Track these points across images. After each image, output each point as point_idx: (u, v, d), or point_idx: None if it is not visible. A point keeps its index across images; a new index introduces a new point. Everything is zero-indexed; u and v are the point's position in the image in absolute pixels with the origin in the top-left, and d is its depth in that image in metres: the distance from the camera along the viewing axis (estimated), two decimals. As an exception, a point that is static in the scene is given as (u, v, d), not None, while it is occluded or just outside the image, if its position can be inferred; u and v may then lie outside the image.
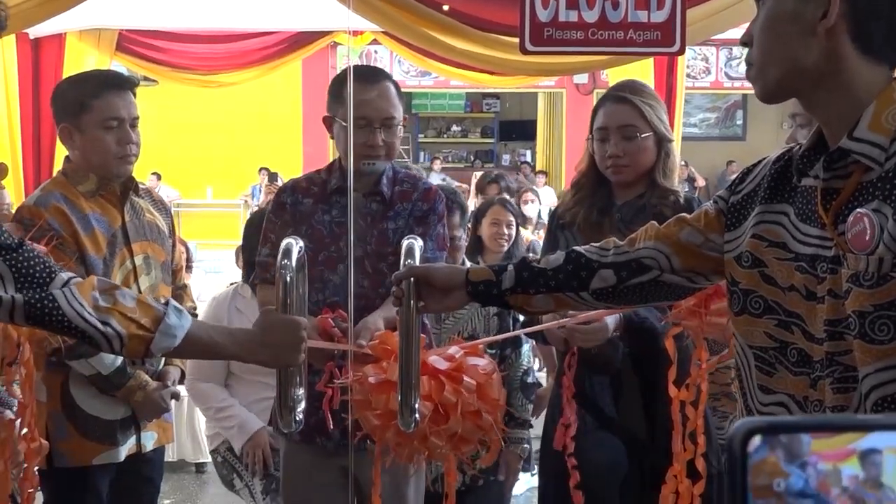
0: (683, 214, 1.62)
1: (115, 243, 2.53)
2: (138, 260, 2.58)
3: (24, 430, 2.20)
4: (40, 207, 2.44)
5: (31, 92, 5.46)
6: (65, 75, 5.19)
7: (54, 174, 2.91)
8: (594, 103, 2.67)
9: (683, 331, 2.16)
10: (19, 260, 1.65)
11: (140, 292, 2.46)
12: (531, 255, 2.54)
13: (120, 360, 2.51)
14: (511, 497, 3.16)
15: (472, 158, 16.48)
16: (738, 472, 0.64)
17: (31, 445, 2.20)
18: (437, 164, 14.76)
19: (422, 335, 2.04)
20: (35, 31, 5.27)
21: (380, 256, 2.39)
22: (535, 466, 3.09)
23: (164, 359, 2.69)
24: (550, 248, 2.43)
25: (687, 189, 10.74)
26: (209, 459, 4.93)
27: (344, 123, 2.33)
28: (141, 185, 2.71)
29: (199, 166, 12.81)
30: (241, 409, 3.09)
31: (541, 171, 13.33)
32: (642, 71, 5.10)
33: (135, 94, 2.58)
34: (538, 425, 2.86)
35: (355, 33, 5.99)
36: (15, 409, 2.26)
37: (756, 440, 0.64)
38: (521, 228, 3.88)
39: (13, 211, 3.86)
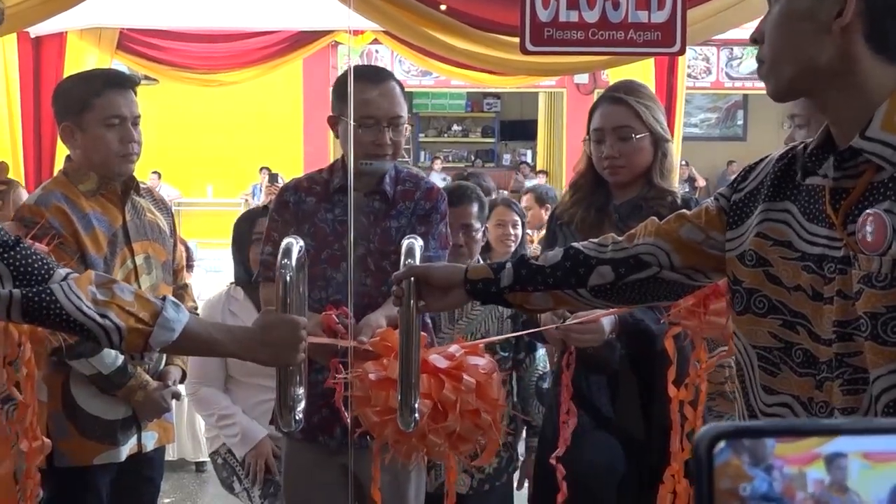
0: (683, 211, 1.61)
1: (115, 243, 2.53)
2: (139, 259, 2.58)
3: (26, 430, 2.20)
4: (41, 207, 2.45)
5: (32, 91, 5.46)
6: (66, 74, 5.19)
7: (55, 173, 2.91)
8: (593, 103, 2.67)
9: (682, 331, 2.16)
10: (17, 258, 1.65)
11: (140, 291, 2.46)
12: (530, 252, 2.55)
13: (121, 359, 2.51)
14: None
15: (473, 158, 16.47)
16: (705, 477, 0.64)
17: (33, 444, 2.20)
18: (438, 164, 14.77)
19: (423, 334, 2.05)
20: (36, 30, 5.28)
21: (383, 255, 2.40)
22: None
23: (164, 358, 2.70)
24: (549, 249, 2.43)
25: (687, 189, 10.75)
26: (209, 459, 4.94)
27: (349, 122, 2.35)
28: (142, 185, 2.71)
29: (200, 165, 12.81)
30: (244, 417, 3.06)
31: (541, 171, 13.34)
32: (643, 71, 5.10)
33: (136, 93, 2.59)
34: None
35: (356, 33, 5.99)
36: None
37: (721, 444, 0.64)
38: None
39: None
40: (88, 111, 2.48)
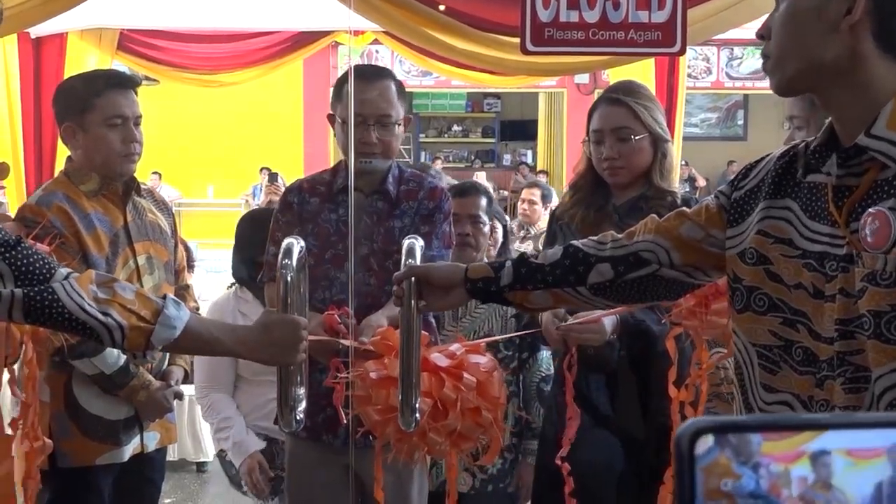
0: (684, 209, 1.61)
1: (117, 243, 2.54)
2: (141, 260, 2.58)
3: (27, 430, 2.20)
4: (43, 207, 2.45)
5: (33, 91, 5.46)
6: (66, 75, 5.20)
7: (56, 174, 2.91)
8: (592, 104, 2.68)
9: (683, 331, 2.17)
10: (18, 257, 1.65)
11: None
12: (530, 251, 2.55)
13: (123, 359, 2.51)
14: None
15: (473, 158, 16.47)
16: (686, 471, 0.64)
17: (35, 444, 2.20)
18: (438, 164, 14.76)
19: (424, 333, 2.05)
20: (36, 31, 5.28)
21: (386, 255, 2.40)
22: None
23: (167, 359, 2.70)
24: (551, 248, 2.44)
25: (687, 189, 10.75)
26: (210, 459, 4.94)
27: (342, 121, 2.37)
28: (142, 185, 2.72)
29: (200, 166, 12.82)
30: (241, 429, 3.03)
31: (542, 171, 13.33)
32: (643, 71, 5.10)
33: (137, 93, 2.59)
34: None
35: (356, 33, 5.99)
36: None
37: (707, 441, 0.64)
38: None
39: (9, 212, 3.87)
40: (90, 111, 2.48)
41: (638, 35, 3.48)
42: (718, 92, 13.88)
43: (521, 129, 15.87)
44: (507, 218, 3.62)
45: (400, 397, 1.88)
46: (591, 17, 3.44)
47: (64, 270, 1.70)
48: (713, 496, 0.64)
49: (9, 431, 2.21)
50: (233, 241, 3.25)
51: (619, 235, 1.65)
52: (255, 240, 3.08)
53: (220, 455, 3.23)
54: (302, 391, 2.01)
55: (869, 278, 1.25)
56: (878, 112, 1.29)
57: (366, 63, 8.86)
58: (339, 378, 2.14)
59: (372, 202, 2.46)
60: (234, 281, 3.24)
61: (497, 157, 16.55)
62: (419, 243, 1.99)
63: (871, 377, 1.27)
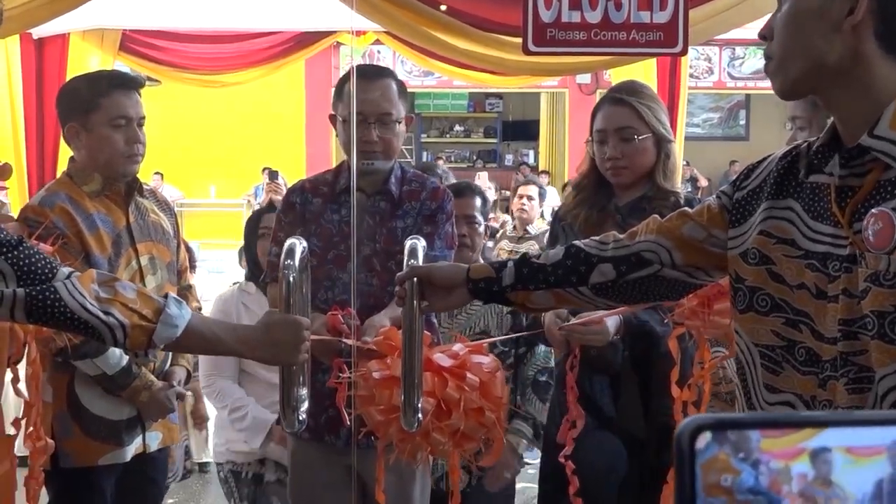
0: (685, 209, 1.61)
1: (120, 243, 2.54)
2: (144, 260, 2.58)
3: (30, 430, 2.21)
4: (45, 207, 2.45)
5: (35, 92, 5.47)
6: (68, 75, 5.21)
7: (58, 174, 2.92)
8: (596, 104, 2.68)
9: (685, 332, 2.17)
10: (20, 257, 1.65)
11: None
12: (532, 251, 2.55)
13: (125, 359, 2.51)
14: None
15: (475, 158, 16.49)
16: (687, 468, 0.64)
17: (37, 445, 2.21)
18: (440, 164, 14.78)
19: (427, 333, 2.05)
20: (38, 31, 5.28)
21: (388, 255, 2.40)
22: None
23: (169, 359, 2.70)
24: (553, 248, 2.44)
25: (689, 189, 10.74)
26: (212, 459, 4.93)
27: (343, 119, 2.38)
28: (145, 186, 2.72)
29: (203, 166, 12.84)
30: (256, 407, 3.06)
31: (543, 171, 13.34)
32: (645, 71, 5.11)
33: (140, 95, 2.60)
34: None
35: (358, 33, 6.00)
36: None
37: (706, 437, 0.64)
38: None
39: (12, 213, 3.87)
40: (95, 112, 2.49)
41: (640, 35, 3.48)
42: (720, 92, 13.90)
43: (523, 130, 15.89)
44: (507, 217, 3.65)
45: (402, 397, 1.88)
46: (593, 17, 3.45)
47: (66, 270, 1.71)
48: (712, 492, 0.64)
49: (11, 431, 2.21)
50: (235, 241, 3.30)
51: (621, 236, 1.65)
52: (256, 235, 3.18)
53: (218, 469, 3.23)
54: (304, 391, 2.01)
55: (872, 279, 1.25)
56: (881, 112, 1.29)
57: (367, 63, 8.87)
58: (342, 378, 2.14)
59: (374, 202, 2.47)
60: (236, 281, 3.28)
61: (499, 158, 16.57)
62: (421, 244, 1.99)
63: (875, 377, 1.26)
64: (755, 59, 11.51)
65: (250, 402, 3.07)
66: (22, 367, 2.21)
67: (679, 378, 2.18)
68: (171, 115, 11.04)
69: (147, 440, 2.65)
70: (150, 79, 6.75)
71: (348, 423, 2.19)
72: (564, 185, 6.18)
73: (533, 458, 3.34)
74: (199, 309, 2.89)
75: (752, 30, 4.46)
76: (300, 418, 2.00)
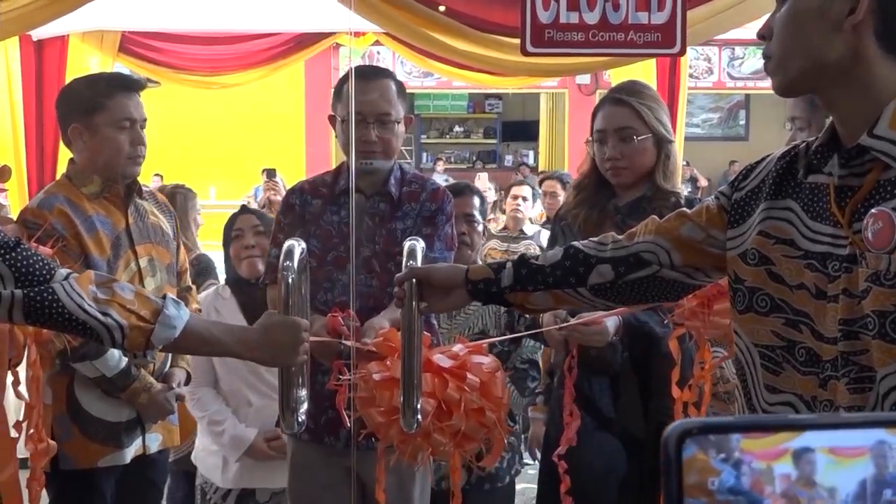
0: (684, 209, 1.61)
1: (119, 245, 2.54)
2: (143, 262, 2.58)
3: (31, 432, 2.21)
4: (44, 210, 2.45)
5: (35, 93, 5.48)
6: (68, 77, 5.21)
7: (58, 176, 2.92)
8: (596, 104, 2.68)
9: (686, 332, 2.17)
10: (18, 258, 1.65)
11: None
12: (531, 252, 2.56)
13: (124, 361, 2.52)
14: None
15: (475, 159, 16.47)
16: (674, 472, 0.64)
17: (39, 447, 2.21)
18: (440, 165, 14.78)
19: (426, 333, 2.05)
20: (38, 33, 5.29)
21: (388, 256, 2.40)
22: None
23: (169, 361, 2.70)
24: (553, 248, 2.44)
25: (689, 189, 10.74)
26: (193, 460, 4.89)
27: (342, 120, 2.38)
28: (144, 188, 2.72)
29: (202, 167, 12.82)
30: (234, 421, 3.00)
31: (543, 172, 13.32)
32: (645, 71, 5.11)
33: (140, 97, 2.61)
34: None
35: (357, 34, 6.01)
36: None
37: (689, 439, 0.64)
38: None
39: (11, 215, 3.87)
40: (99, 113, 2.49)
41: (638, 36, 3.48)
42: (720, 92, 13.89)
43: (522, 130, 15.86)
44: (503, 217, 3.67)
45: (401, 399, 1.88)
46: (591, 18, 3.45)
47: (63, 271, 1.71)
48: (692, 493, 0.64)
49: (13, 434, 2.21)
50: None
51: (620, 237, 1.65)
52: (229, 237, 3.15)
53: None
54: (303, 393, 2.01)
55: (873, 278, 1.25)
56: (881, 112, 1.28)
57: (366, 64, 8.87)
58: (342, 380, 2.14)
59: (374, 204, 2.47)
60: (213, 282, 3.26)
61: (499, 158, 16.55)
62: (420, 245, 1.99)
63: (876, 377, 1.26)
64: (755, 59, 11.50)
65: (229, 417, 3.02)
66: (22, 370, 2.22)
67: (679, 378, 2.18)
68: (171, 116, 11.03)
69: (147, 442, 2.65)
70: (149, 80, 6.75)
71: (348, 424, 2.19)
72: (540, 182, 6.16)
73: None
74: (199, 311, 2.88)
75: (751, 30, 4.46)
76: (299, 420, 2.00)
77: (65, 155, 3.18)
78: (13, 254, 1.66)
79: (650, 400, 2.41)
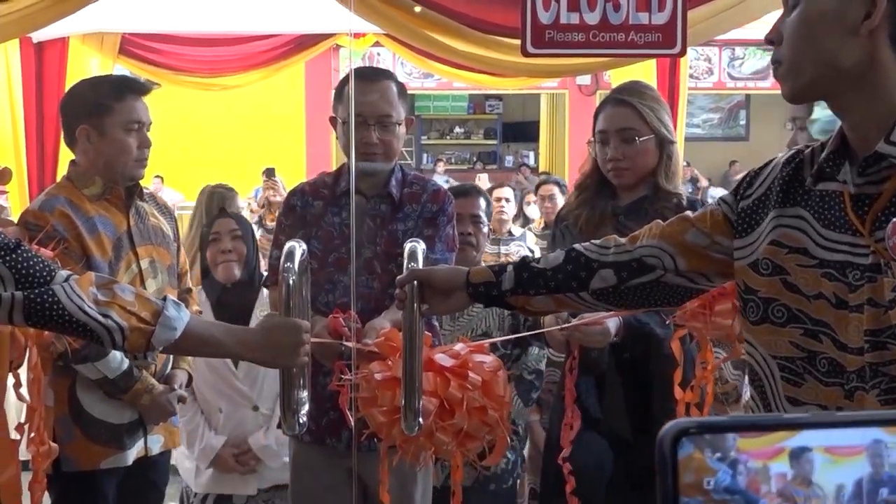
0: (687, 213, 1.59)
1: (120, 247, 2.54)
2: (144, 263, 2.59)
3: (33, 434, 2.21)
4: (45, 212, 2.45)
5: (35, 95, 5.48)
6: (68, 79, 5.21)
7: (58, 178, 2.92)
8: (597, 104, 2.68)
9: (687, 333, 2.16)
10: (18, 260, 1.65)
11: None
12: (531, 254, 2.56)
13: (126, 363, 2.52)
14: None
15: (475, 160, 16.47)
16: (669, 472, 0.64)
17: (41, 449, 2.21)
18: (441, 166, 14.79)
19: (428, 334, 2.05)
20: (38, 35, 5.28)
21: (389, 257, 2.40)
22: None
23: (170, 362, 2.70)
24: (553, 250, 2.43)
25: (690, 189, 10.73)
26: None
27: (343, 121, 2.39)
28: (145, 190, 2.72)
29: (203, 169, 12.80)
30: (205, 430, 3.01)
31: (543, 172, 13.32)
32: (645, 72, 5.11)
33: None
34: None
35: (357, 36, 6.00)
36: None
37: (684, 438, 0.64)
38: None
39: (12, 217, 3.87)
40: (109, 115, 2.50)
41: (638, 37, 3.47)
42: (720, 92, 13.87)
43: (522, 131, 15.86)
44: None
45: (402, 401, 1.88)
46: (592, 18, 3.44)
47: (64, 273, 1.71)
48: (688, 492, 0.64)
49: (15, 436, 2.21)
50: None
51: (622, 240, 1.63)
52: (207, 240, 3.13)
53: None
54: (305, 394, 2.01)
55: None
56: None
57: (367, 66, 8.87)
58: (344, 381, 2.14)
59: (375, 205, 2.47)
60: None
61: (499, 159, 16.54)
62: (421, 246, 1.99)
63: None
64: (755, 60, 11.51)
65: (200, 422, 3.02)
66: (23, 372, 2.22)
67: (682, 380, 2.18)
68: (172, 118, 11.01)
69: (149, 444, 2.65)
70: (149, 82, 6.77)
71: (351, 424, 2.19)
72: (537, 186, 6.19)
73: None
74: (200, 312, 2.89)
75: (751, 30, 4.47)
76: (300, 421, 2.00)
77: (65, 157, 3.19)
78: (13, 255, 1.66)
79: (644, 401, 2.41)
